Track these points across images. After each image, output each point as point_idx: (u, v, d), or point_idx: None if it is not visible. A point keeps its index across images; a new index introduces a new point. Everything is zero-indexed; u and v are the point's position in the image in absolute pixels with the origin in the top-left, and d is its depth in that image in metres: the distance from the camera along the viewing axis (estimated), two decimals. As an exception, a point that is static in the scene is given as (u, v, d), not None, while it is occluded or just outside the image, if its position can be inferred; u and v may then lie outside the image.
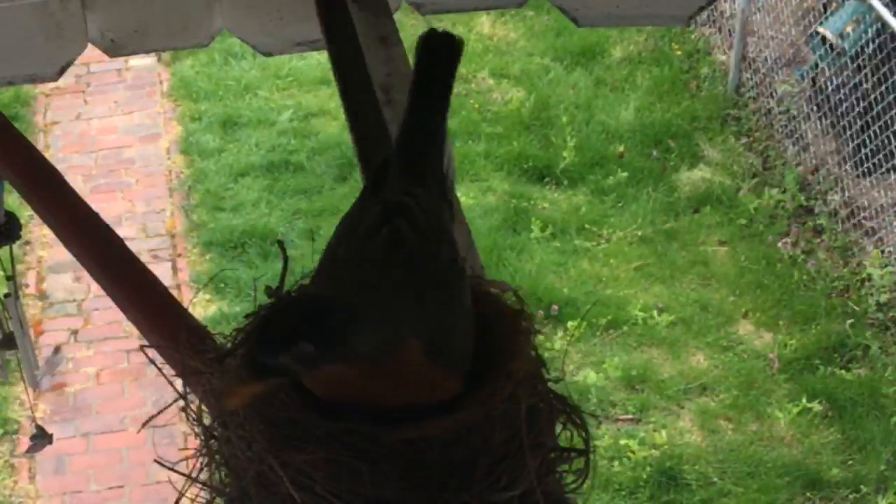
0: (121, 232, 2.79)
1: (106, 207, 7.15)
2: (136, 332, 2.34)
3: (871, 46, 7.24)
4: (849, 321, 6.81)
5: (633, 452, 6.19)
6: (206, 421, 1.81)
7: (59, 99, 8.53)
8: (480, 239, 6.90)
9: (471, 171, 7.75)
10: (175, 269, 7.26)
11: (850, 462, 6.23)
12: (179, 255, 7.38)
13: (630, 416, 6.42)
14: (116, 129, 8.34)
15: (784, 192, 7.56)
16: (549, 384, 1.83)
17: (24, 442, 5.85)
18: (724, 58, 8.48)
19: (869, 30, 7.27)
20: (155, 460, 1.92)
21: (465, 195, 7.37)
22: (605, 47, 8.72)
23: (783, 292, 7.03)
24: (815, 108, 7.68)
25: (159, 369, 2.04)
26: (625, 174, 7.73)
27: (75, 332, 6.91)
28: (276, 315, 1.66)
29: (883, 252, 7.02)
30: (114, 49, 2.86)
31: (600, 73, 8.56)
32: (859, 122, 7.31)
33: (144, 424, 2.04)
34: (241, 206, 7.64)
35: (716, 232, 7.45)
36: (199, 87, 8.55)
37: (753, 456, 6.23)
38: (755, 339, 6.81)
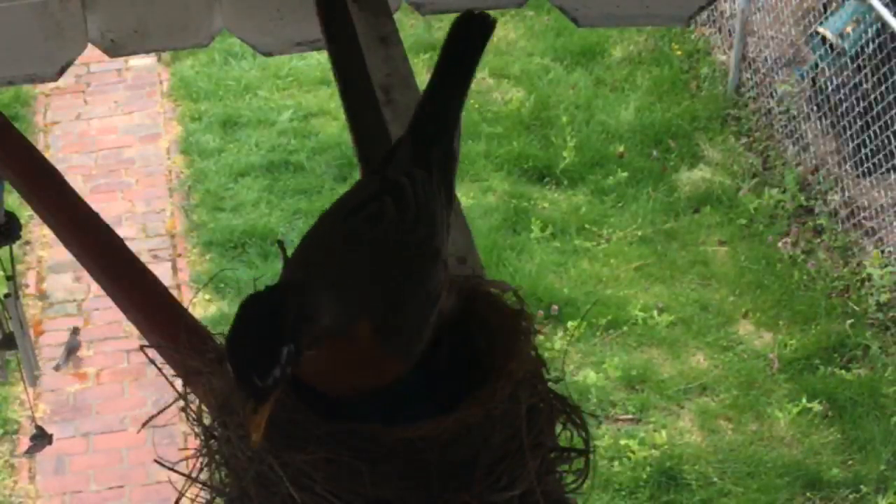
0: (121, 232, 2.78)
1: (106, 207, 7.14)
2: (136, 332, 2.34)
3: (871, 46, 7.23)
4: (849, 321, 6.81)
5: (633, 452, 6.19)
6: (206, 421, 1.81)
7: (59, 99, 8.53)
8: (480, 239, 6.89)
9: (471, 171, 7.75)
10: (175, 269, 7.26)
11: (850, 462, 6.23)
12: (179, 255, 7.37)
13: (630, 416, 6.42)
14: (116, 129, 8.33)
15: (784, 192, 7.55)
16: (549, 384, 1.84)
17: (24, 442, 5.84)
18: (724, 58, 8.47)
19: (869, 30, 7.26)
20: (155, 460, 1.92)
21: (465, 195, 7.36)
22: (605, 47, 8.72)
23: (783, 292, 7.03)
24: (815, 108, 7.68)
25: (159, 369, 2.04)
26: (625, 174, 7.72)
27: (76, 332, 6.90)
28: (252, 330, 1.57)
29: (883, 252, 7.02)
30: (114, 49, 2.86)
31: (600, 73, 8.56)
32: (859, 122, 7.30)
33: (144, 424, 2.04)
34: (241, 206, 7.64)
35: (716, 232, 7.45)
36: (199, 87, 8.55)
37: (753, 456, 6.23)
38: (755, 339, 6.81)
